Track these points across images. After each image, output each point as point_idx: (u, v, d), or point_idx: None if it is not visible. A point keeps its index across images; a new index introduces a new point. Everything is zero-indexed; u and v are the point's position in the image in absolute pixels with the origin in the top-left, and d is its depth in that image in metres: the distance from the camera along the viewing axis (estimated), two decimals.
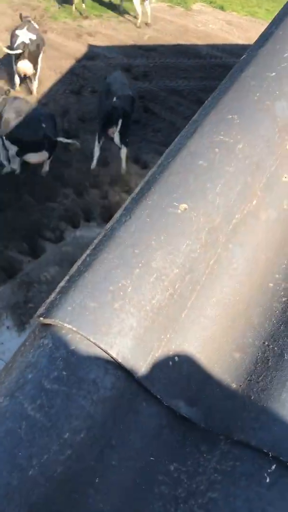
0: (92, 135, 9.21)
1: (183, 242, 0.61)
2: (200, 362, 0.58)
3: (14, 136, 7.06)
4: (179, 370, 0.56)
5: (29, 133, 7.02)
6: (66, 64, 11.56)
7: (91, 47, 12.72)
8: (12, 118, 7.14)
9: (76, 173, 8.24)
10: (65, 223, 7.28)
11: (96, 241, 0.62)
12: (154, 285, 0.56)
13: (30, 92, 10.25)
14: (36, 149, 7.18)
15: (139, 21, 13.53)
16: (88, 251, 0.62)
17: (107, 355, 0.52)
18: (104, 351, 0.53)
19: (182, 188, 0.65)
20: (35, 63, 9.55)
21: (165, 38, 14.20)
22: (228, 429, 0.59)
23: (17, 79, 9.90)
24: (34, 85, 10.04)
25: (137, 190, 0.68)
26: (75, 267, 0.61)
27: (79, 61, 11.90)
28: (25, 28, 9.52)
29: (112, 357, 0.53)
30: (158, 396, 0.56)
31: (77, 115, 9.85)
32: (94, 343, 0.53)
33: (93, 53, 12.41)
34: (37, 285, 5.96)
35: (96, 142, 8.07)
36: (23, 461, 0.50)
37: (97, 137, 8.06)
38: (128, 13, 15.41)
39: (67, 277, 0.59)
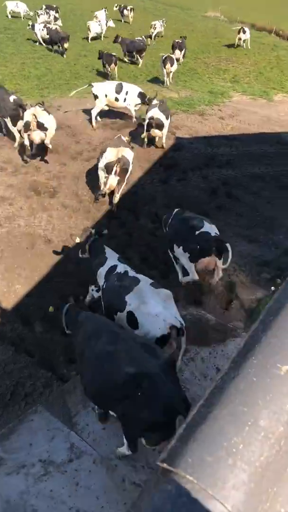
0: None
1: (286, 402, 0.69)
2: None
3: None
4: None
5: None
6: (155, 156, 12.51)
7: (178, 139, 13.70)
8: None
9: None
10: None
11: (208, 391, 0.72)
12: (262, 442, 0.65)
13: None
14: None
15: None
16: (202, 401, 0.72)
17: (223, 507, 0.61)
18: (221, 503, 0.61)
19: (284, 351, 0.74)
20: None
21: (248, 128, 14.92)
22: None
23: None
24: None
25: (242, 343, 0.79)
26: (191, 416, 0.71)
27: (166, 153, 12.82)
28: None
29: (227, 509, 0.60)
30: None
31: (162, 202, 10.44)
32: (212, 496, 0.61)
33: (179, 145, 13.33)
34: None
35: None
36: None
37: None
38: (212, 107, 16.56)
39: (184, 425, 0.69)
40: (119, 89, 13.45)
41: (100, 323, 4.99)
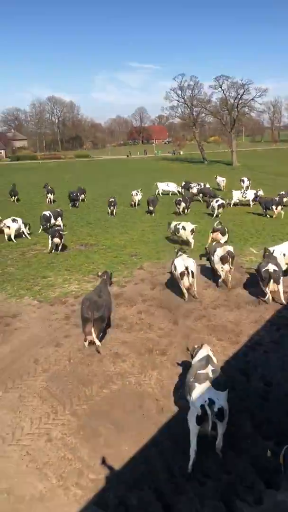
0: None
1: None
2: None
3: None
4: None
5: None
6: (266, 314, 12.42)
7: None
8: None
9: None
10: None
11: None
12: None
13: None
14: None
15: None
16: None
17: None
18: None
19: None
20: None
21: None
22: None
23: None
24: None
25: None
26: None
27: (279, 311, 12.69)
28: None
29: None
30: None
31: (276, 364, 10.01)
32: None
33: None
34: None
35: None
36: None
37: None
38: None
39: None
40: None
41: None
